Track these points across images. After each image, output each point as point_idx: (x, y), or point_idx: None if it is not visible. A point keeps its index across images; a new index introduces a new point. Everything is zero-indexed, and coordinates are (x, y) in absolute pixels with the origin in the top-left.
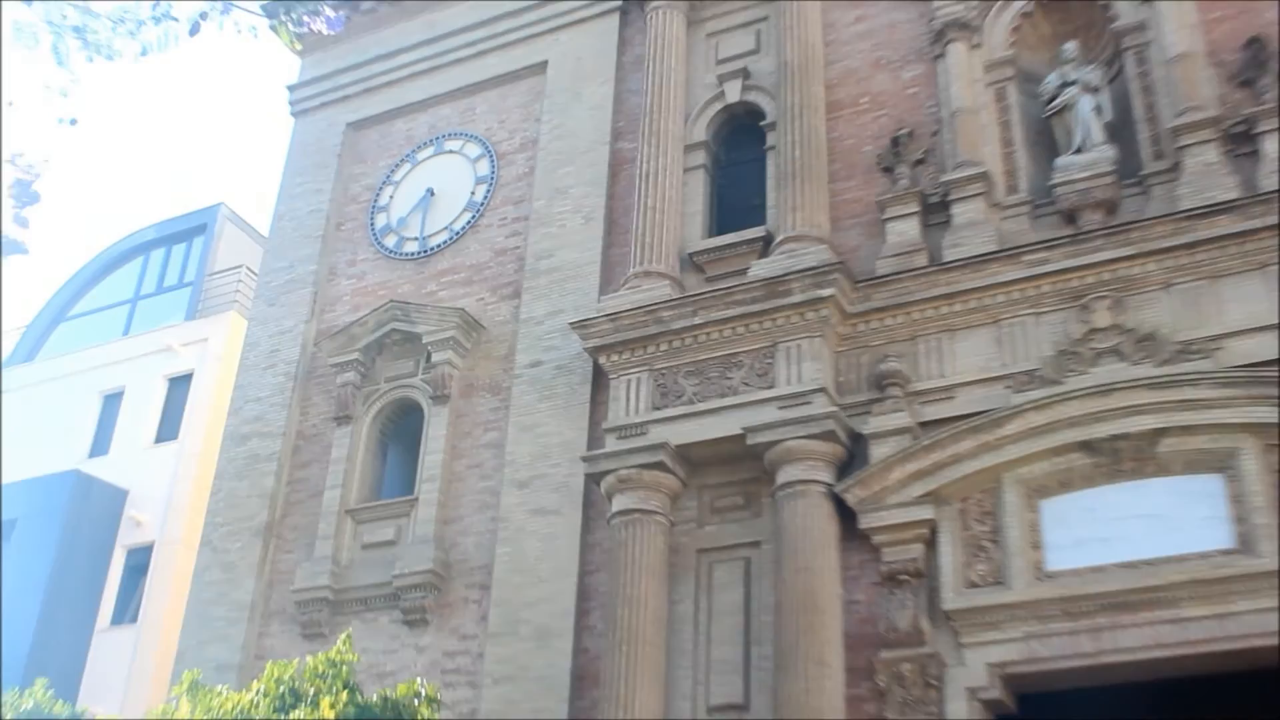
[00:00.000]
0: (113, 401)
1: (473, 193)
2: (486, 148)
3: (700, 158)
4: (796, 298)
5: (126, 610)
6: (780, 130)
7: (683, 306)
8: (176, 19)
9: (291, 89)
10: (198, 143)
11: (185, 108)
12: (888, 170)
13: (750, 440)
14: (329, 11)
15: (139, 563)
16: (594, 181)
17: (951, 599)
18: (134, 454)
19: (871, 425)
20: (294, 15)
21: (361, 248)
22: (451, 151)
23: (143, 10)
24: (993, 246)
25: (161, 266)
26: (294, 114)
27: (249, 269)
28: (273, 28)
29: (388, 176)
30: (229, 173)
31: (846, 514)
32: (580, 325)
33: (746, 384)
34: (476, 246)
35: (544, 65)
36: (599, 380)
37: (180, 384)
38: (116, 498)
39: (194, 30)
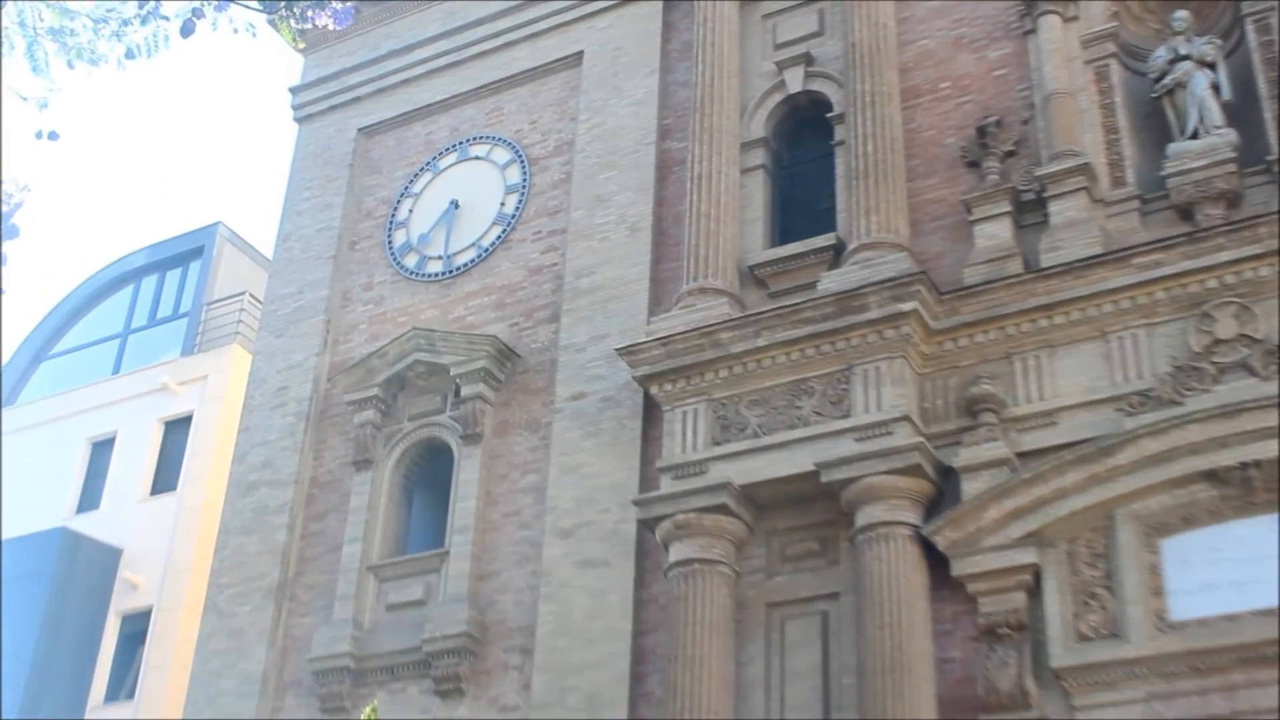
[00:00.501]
0: (102, 449)
1: (502, 204)
2: (517, 152)
3: (759, 157)
4: (873, 313)
5: (122, 685)
6: (850, 122)
7: (744, 327)
8: (167, 18)
9: (294, 91)
10: (192, 156)
11: (177, 117)
12: (973, 165)
13: (825, 477)
14: (335, 3)
15: (135, 630)
16: (639, 187)
17: (1060, 655)
18: (127, 508)
19: (963, 457)
20: (295, 9)
21: (379, 269)
22: (477, 158)
23: (128, 9)
24: (1097, 249)
25: (154, 296)
26: (298, 120)
27: (252, 296)
28: (271, 24)
29: (406, 188)
30: (227, 188)
31: (937, 559)
32: (628, 351)
33: (819, 413)
34: (508, 265)
35: (579, 57)
36: (651, 413)
37: (178, 428)
38: (109, 557)
39: (186, 31)
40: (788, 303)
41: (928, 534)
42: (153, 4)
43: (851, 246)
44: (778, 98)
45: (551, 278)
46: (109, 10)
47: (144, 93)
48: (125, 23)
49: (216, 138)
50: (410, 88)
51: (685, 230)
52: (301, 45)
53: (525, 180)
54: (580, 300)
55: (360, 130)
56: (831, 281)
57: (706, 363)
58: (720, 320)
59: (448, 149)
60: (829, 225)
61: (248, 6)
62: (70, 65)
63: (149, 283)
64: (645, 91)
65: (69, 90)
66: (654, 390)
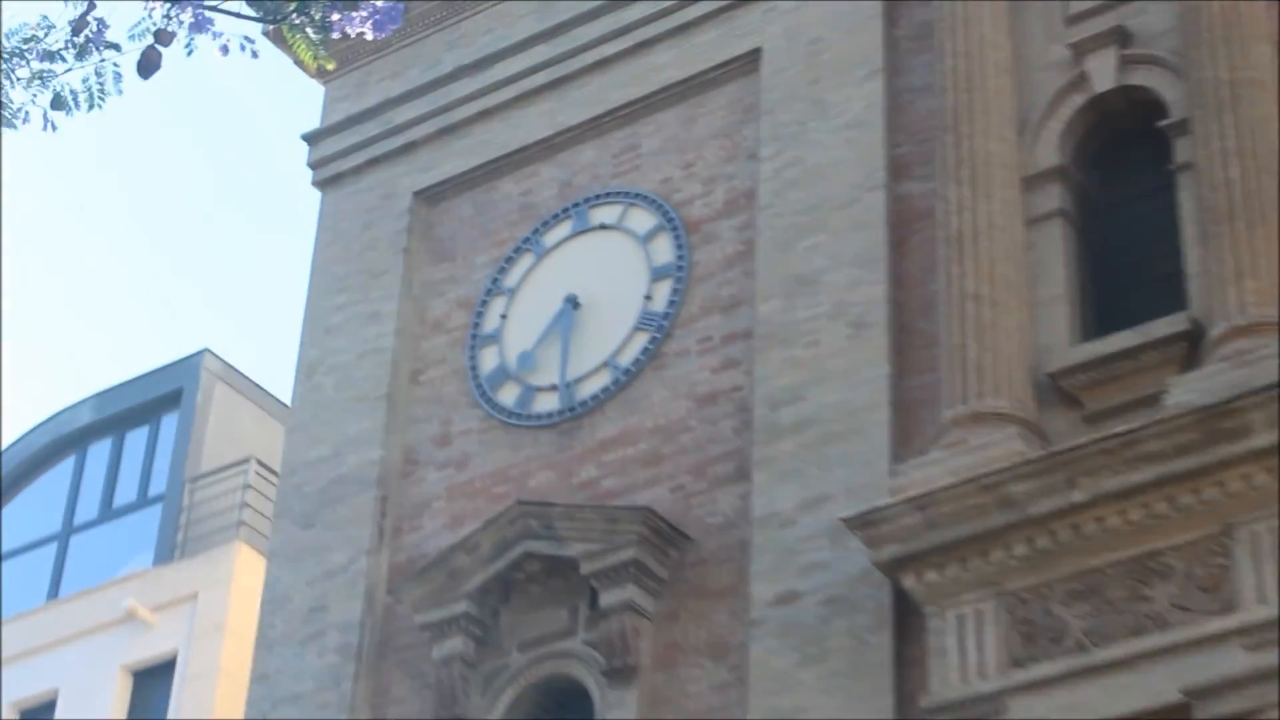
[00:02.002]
0: None
1: (648, 297)
2: (666, 214)
3: (1053, 197)
4: (1258, 439)
5: None
6: (1199, 133)
7: (1049, 473)
8: (117, 46)
9: (312, 139)
10: (159, 247)
11: (135, 186)
12: None
13: (1199, 713)
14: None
15: None
16: (863, 259)
17: None
18: None
19: None
20: (313, 11)
21: (459, 412)
22: (604, 227)
23: (54, 37)
24: None
25: (107, 472)
26: (319, 182)
27: (261, 464)
28: (269, 35)
29: (495, 281)
30: (213, 295)
31: None
32: (864, 522)
33: (1182, 608)
34: (663, 393)
35: (755, 58)
36: (906, 619)
37: (153, 680)
38: None
39: (146, 69)
40: (1117, 430)
41: None
42: (91, 23)
43: (1216, 333)
44: (1078, 101)
45: (733, 410)
46: (24, 42)
47: (85, 157)
48: (51, 55)
49: (196, 217)
50: (491, 123)
51: (942, 323)
52: (330, 64)
53: (682, 258)
54: (782, 444)
55: (417, 194)
56: (1188, 391)
57: (992, 534)
58: (1009, 464)
59: (556, 215)
60: (1176, 301)
61: (237, 15)
62: None
63: (98, 452)
64: (864, 105)
65: None
66: (909, 583)
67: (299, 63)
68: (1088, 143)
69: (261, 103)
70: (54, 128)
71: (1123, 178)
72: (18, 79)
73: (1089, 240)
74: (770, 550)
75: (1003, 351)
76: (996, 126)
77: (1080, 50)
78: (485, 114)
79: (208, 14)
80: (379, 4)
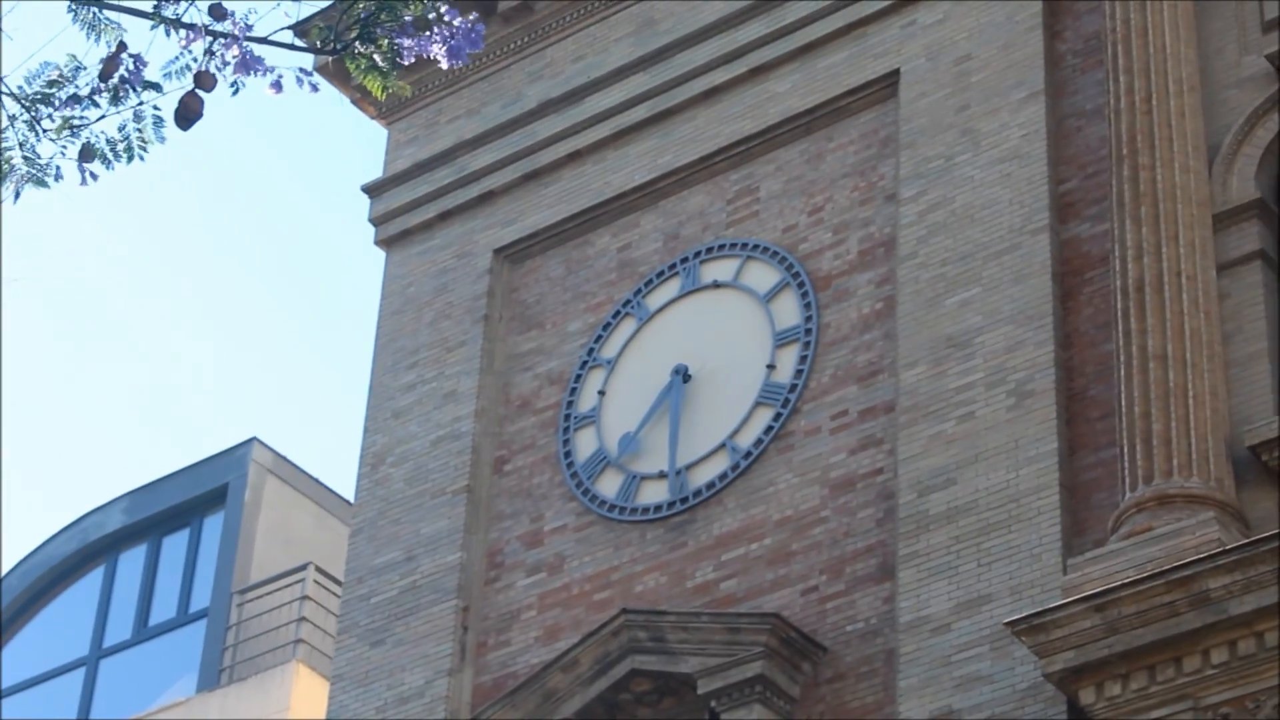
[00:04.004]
0: None
1: (771, 366)
2: (790, 268)
3: (1251, 237)
4: None
5: None
6: None
7: (1252, 565)
8: (157, 86)
9: (373, 192)
10: (198, 325)
11: (171, 255)
12: None
13: None
14: (449, 19)
15: None
16: (1025, 314)
17: None
18: None
19: None
20: (382, 41)
21: (551, 504)
22: (718, 285)
23: (84, 79)
24: None
25: (142, 585)
26: (382, 241)
27: (320, 570)
28: (353, 67)
29: (591, 351)
30: (263, 375)
31: None
32: (1032, 627)
33: None
34: (791, 479)
35: (893, 81)
36: None
37: None
38: None
39: (186, 119)
40: None
41: None
42: (126, 61)
43: None
44: (1278, 122)
45: (874, 497)
46: (49, 85)
47: (96, 209)
48: (78, 100)
49: (238, 284)
50: (584, 166)
51: (1119, 390)
52: (407, 91)
53: (810, 319)
54: (932, 536)
55: (498, 252)
56: None
57: (1186, 638)
58: (1205, 555)
59: (662, 273)
60: None
61: (290, 47)
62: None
63: (131, 560)
64: (1023, 134)
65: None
66: (1088, 698)
67: (359, 101)
68: None
69: (314, 149)
70: (93, 178)
71: None
72: (43, 130)
73: None
74: (921, 661)
75: (1194, 421)
76: (1181, 155)
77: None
78: (576, 156)
79: (257, 52)
80: (455, 24)
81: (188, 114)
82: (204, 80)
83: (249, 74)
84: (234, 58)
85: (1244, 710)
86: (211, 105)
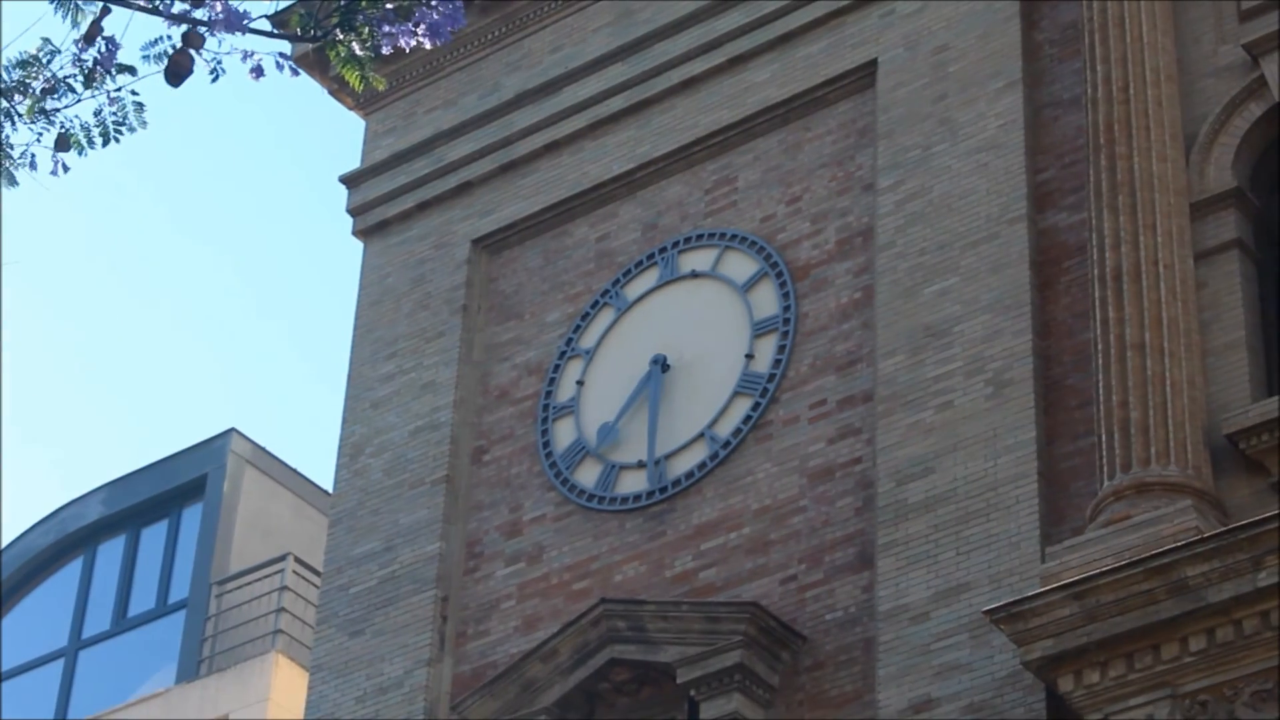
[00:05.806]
0: None
1: (749, 356)
2: (768, 258)
3: (1228, 226)
4: None
5: None
6: None
7: (1230, 553)
8: (133, 70)
9: (351, 182)
10: (175, 315)
11: (148, 245)
12: None
13: None
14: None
15: None
16: (1002, 304)
17: None
18: None
19: None
20: (363, 28)
21: (530, 494)
22: (696, 275)
23: (60, 64)
24: None
25: (120, 576)
26: (360, 232)
27: (299, 560)
28: (334, 55)
29: (569, 342)
30: (241, 366)
31: None
32: (1010, 615)
33: None
34: (769, 469)
35: (870, 71)
36: None
37: None
38: None
39: (177, 75)
40: None
41: None
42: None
43: None
44: (1255, 111)
45: (851, 486)
46: (23, 68)
47: (75, 198)
48: (54, 87)
49: (215, 276)
50: (561, 157)
51: (1097, 379)
52: (381, 84)
53: (788, 309)
54: (910, 525)
55: (476, 243)
56: None
57: (1164, 626)
58: (1183, 543)
59: (640, 263)
60: None
61: (270, 34)
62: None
63: (110, 552)
64: (1001, 123)
65: None
66: (1066, 686)
67: (336, 91)
68: (1267, 161)
69: (291, 139)
70: (65, 169)
71: None
72: (19, 115)
73: (1271, 276)
74: (900, 650)
75: (1171, 410)
76: (1159, 144)
77: (1257, 51)
78: (553, 147)
79: (240, 7)
80: (435, 3)
81: (179, 70)
82: (192, 39)
83: (231, 33)
84: (219, 13)
85: (1222, 697)
86: (189, 96)
